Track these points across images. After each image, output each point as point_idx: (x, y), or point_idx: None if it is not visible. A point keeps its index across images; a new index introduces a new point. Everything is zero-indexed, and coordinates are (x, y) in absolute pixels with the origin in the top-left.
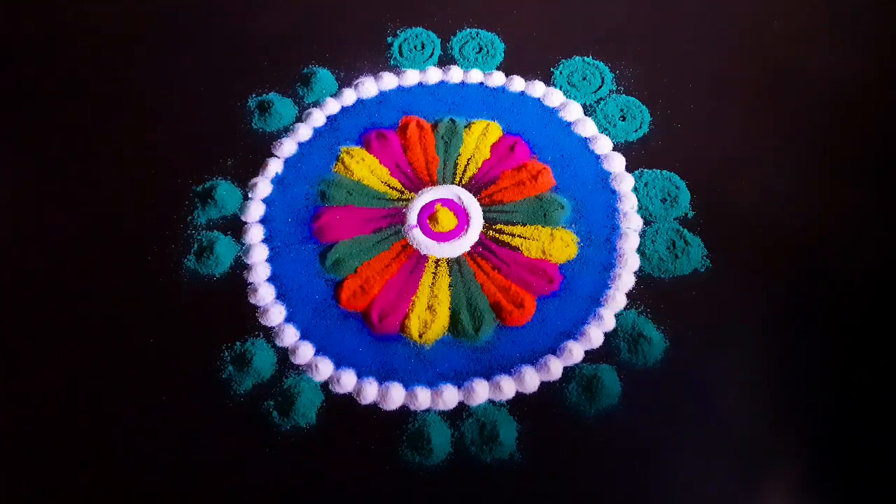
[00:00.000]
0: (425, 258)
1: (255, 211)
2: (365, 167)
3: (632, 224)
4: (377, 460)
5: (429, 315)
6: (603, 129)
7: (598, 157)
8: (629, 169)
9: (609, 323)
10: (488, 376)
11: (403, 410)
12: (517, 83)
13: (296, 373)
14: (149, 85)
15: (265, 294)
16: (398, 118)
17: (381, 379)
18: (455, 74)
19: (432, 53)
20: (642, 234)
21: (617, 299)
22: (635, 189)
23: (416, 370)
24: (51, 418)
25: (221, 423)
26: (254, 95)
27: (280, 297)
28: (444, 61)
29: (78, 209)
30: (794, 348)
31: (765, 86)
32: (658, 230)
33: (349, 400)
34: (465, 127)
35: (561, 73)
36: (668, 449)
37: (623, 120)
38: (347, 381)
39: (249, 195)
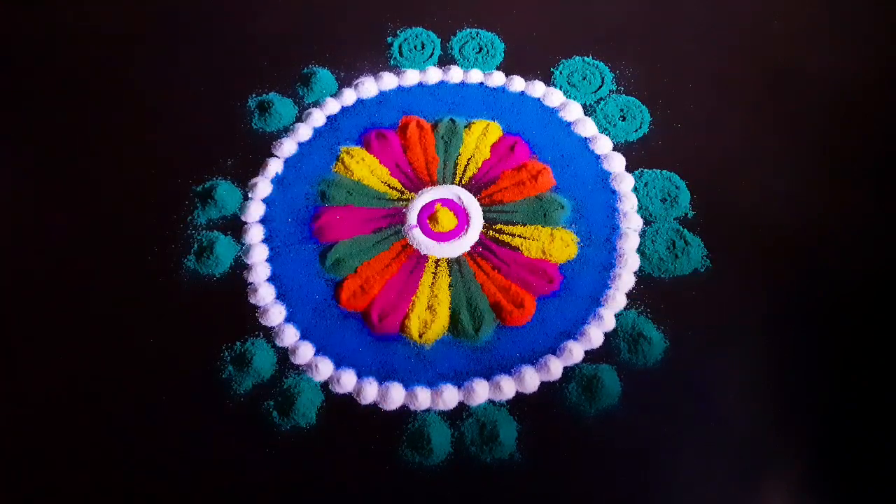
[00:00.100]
0: (425, 258)
1: (255, 211)
2: (365, 167)
3: (632, 224)
4: (377, 460)
5: (429, 315)
6: (603, 129)
7: (598, 157)
8: (629, 169)
9: (609, 323)
10: (488, 376)
11: (403, 410)
12: (517, 83)
13: (296, 373)
14: (149, 85)
15: (265, 294)
16: (398, 118)
17: (381, 379)
18: (455, 74)
19: (432, 53)
20: (642, 234)
21: (617, 299)
22: (635, 189)
23: (416, 370)
24: (51, 418)
25: (221, 423)
26: (254, 95)
27: (280, 297)
28: (444, 61)
29: (78, 209)
30: (794, 348)
31: (765, 86)
32: (658, 230)
33: (349, 400)
34: (465, 127)
35: (561, 73)
36: (668, 449)
37: (623, 120)
38: (347, 381)
39: (249, 195)
